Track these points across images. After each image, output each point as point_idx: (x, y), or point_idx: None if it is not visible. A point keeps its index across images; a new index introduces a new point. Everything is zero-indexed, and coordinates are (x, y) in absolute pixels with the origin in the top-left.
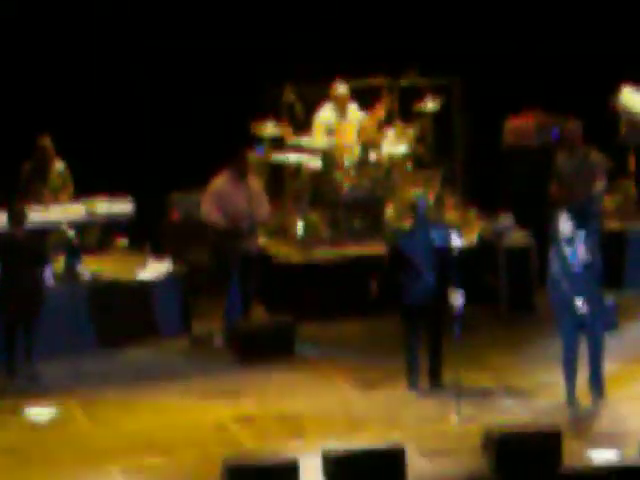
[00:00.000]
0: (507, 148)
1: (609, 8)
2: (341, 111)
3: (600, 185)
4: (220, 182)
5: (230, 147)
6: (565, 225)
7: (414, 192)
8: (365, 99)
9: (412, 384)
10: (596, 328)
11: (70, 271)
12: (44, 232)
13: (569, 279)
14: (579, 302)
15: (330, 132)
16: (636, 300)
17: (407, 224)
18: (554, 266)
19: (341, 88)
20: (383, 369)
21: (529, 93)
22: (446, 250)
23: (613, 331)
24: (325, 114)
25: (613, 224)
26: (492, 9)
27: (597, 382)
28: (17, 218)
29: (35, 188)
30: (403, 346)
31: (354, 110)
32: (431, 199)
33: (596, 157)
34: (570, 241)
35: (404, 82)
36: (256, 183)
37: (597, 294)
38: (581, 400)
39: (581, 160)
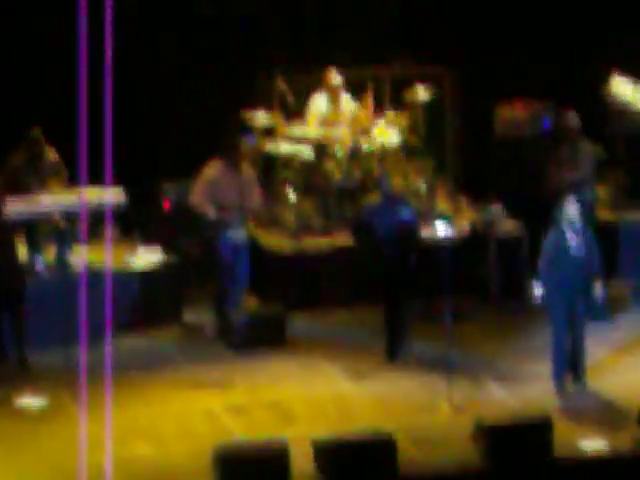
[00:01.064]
0: (498, 138)
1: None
2: (334, 101)
3: (576, 174)
4: (212, 171)
5: (221, 136)
6: (571, 208)
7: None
8: (357, 88)
9: (393, 354)
10: (582, 315)
11: (61, 260)
12: (33, 222)
13: (567, 262)
14: (597, 286)
15: (323, 122)
16: (624, 290)
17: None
18: (551, 247)
19: (335, 78)
20: (375, 358)
21: (520, 82)
22: (411, 225)
23: (604, 320)
24: (317, 103)
25: (605, 214)
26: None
27: (577, 370)
28: None
29: (25, 178)
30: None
31: (347, 100)
32: (423, 188)
33: (584, 147)
34: (572, 225)
35: (395, 71)
36: (249, 172)
37: (591, 284)
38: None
39: (571, 149)
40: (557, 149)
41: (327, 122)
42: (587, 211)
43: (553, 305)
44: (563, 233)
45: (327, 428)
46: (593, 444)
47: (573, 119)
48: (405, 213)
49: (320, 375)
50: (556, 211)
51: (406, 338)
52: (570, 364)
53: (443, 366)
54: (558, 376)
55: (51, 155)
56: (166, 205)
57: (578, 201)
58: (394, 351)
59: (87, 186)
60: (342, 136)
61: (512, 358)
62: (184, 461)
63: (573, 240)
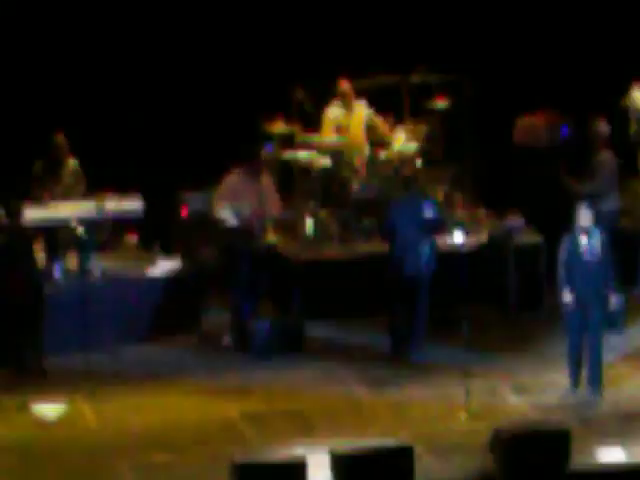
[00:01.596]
0: (517, 147)
1: (620, 7)
2: (347, 107)
3: (589, 186)
4: (233, 180)
5: (241, 145)
6: (585, 216)
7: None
8: (377, 97)
9: (397, 352)
10: (598, 324)
11: (82, 268)
12: (53, 229)
13: (580, 268)
14: (613, 298)
15: (338, 129)
16: None
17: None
18: (564, 254)
19: (344, 84)
20: (392, 367)
21: (540, 92)
22: (435, 222)
23: (619, 329)
24: (333, 111)
25: (624, 223)
26: (504, 7)
27: (596, 376)
28: (9, 212)
29: (47, 185)
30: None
31: (361, 106)
32: (441, 197)
33: (601, 158)
34: (586, 232)
35: (414, 79)
36: (269, 181)
37: (604, 290)
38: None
39: (592, 158)
40: (582, 158)
41: (342, 130)
42: (606, 221)
43: (566, 311)
44: (575, 240)
45: (344, 437)
46: (611, 454)
47: (604, 127)
48: (429, 211)
49: (337, 383)
50: (570, 219)
51: (418, 338)
52: (587, 371)
53: (461, 374)
54: (571, 380)
55: (71, 163)
56: (184, 213)
57: (595, 210)
58: (399, 347)
59: (108, 195)
60: (359, 144)
61: (530, 367)
62: (201, 469)
63: (586, 247)
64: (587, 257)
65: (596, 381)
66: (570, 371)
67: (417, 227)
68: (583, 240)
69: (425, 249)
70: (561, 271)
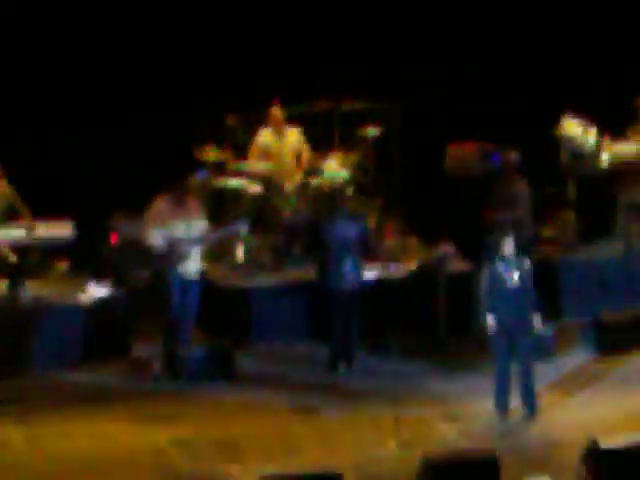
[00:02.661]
0: (449, 176)
1: (551, 37)
2: (278, 133)
3: (511, 214)
4: (159, 206)
5: (172, 171)
6: (508, 246)
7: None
8: (309, 125)
9: (334, 367)
10: (526, 351)
11: (11, 293)
12: None
13: (504, 295)
14: (536, 320)
15: (267, 156)
16: (569, 329)
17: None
18: (487, 282)
19: (276, 111)
20: (321, 394)
21: (469, 121)
22: (364, 239)
23: (549, 360)
24: (262, 138)
25: (549, 252)
26: (433, 37)
27: (529, 403)
28: None
29: None
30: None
31: (293, 133)
32: (371, 225)
33: (519, 186)
34: (509, 262)
35: (345, 107)
36: (196, 206)
37: (529, 318)
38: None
39: (507, 188)
40: (495, 187)
41: (271, 157)
42: (524, 248)
43: (493, 338)
44: (498, 269)
45: (274, 463)
46: None
47: (514, 157)
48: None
49: (267, 410)
50: (491, 248)
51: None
52: (521, 398)
53: (390, 401)
54: (499, 408)
55: (2, 186)
56: (113, 239)
57: (515, 238)
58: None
59: (37, 220)
60: (290, 171)
61: (460, 394)
62: None
63: (508, 275)
64: (510, 285)
65: (531, 404)
66: (497, 400)
67: (350, 244)
68: (504, 270)
69: (356, 265)
70: (484, 299)
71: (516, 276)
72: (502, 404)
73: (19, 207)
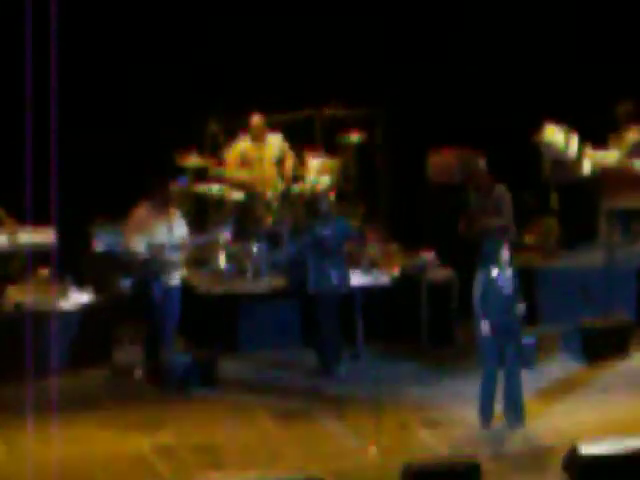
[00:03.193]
0: (430, 183)
1: (532, 45)
2: (258, 141)
3: (498, 220)
4: (140, 213)
5: (153, 178)
6: (505, 253)
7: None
8: (291, 131)
9: (328, 367)
10: (514, 357)
11: None
12: None
13: (497, 301)
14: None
15: (244, 163)
16: (550, 336)
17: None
18: (482, 289)
19: (255, 118)
20: (304, 401)
21: (451, 128)
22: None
23: (531, 366)
24: (240, 145)
25: (531, 259)
26: (416, 43)
27: (516, 411)
28: None
29: None
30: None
31: (274, 139)
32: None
33: (499, 192)
34: (503, 268)
35: (328, 113)
36: (176, 213)
37: (518, 324)
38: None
39: (485, 196)
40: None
41: (251, 165)
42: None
43: (485, 344)
44: (493, 275)
45: (255, 472)
46: None
47: (480, 166)
48: (344, 228)
49: (249, 417)
50: (486, 254)
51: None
52: (505, 406)
53: (372, 408)
54: (484, 414)
55: None
56: (95, 245)
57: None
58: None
59: (18, 227)
60: (271, 179)
61: (441, 402)
62: None
63: (503, 282)
64: (504, 291)
65: (518, 411)
66: (482, 406)
67: (330, 247)
68: (499, 276)
69: (340, 267)
70: (478, 304)
71: (510, 282)
72: (487, 411)
73: (0, 214)
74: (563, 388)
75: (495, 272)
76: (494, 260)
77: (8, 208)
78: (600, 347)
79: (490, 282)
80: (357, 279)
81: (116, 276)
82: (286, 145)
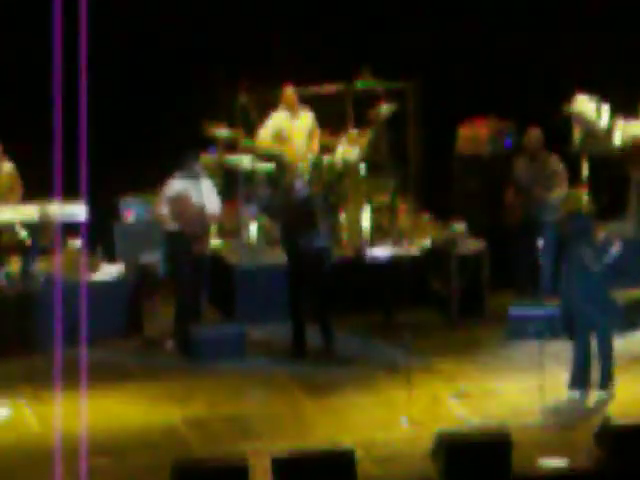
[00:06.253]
0: (460, 155)
1: (563, 14)
2: (292, 114)
3: (559, 192)
4: (173, 185)
5: (182, 149)
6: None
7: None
8: (321, 104)
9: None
10: (606, 326)
11: (25, 272)
12: None
13: (589, 279)
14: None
15: (278, 135)
16: None
17: None
18: (579, 265)
19: (289, 90)
20: (334, 374)
21: (483, 99)
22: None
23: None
24: (275, 120)
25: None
26: (447, 14)
27: (604, 378)
28: None
29: None
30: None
31: (306, 115)
32: (384, 204)
33: (555, 164)
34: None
35: (358, 86)
36: (208, 184)
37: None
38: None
39: (540, 167)
40: (514, 166)
41: (285, 139)
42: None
43: (580, 323)
44: (589, 251)
45: (286, 443)
46: (552, 463)
47: (536, 136)
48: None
49: (280, 390)
50: (581, 230)
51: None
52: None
53: (403, 380)
54: (579, 386)
55: (7, 167)
56: (126, 218)
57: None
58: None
59: (49, 199)
60: (302, 151)
61: (471, 374)
62: (143, 474)
63: (601, 257)
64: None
65: (604, 377)
66: (578, 374)
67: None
68: (593, 252)
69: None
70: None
71: (605, 258)
72: (582, 382)
73: (16, 186)
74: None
75: (590, 249)
76: (589, 237)
77: (38, 181)
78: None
79: (587, 258)
80: (386, 250)
81: (147, 248)
82: (314, 120)
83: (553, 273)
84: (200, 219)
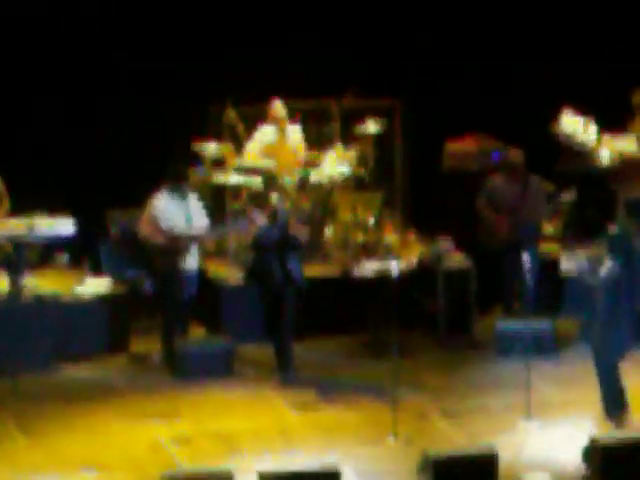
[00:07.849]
0: (447, 171)
1: (549, 31)
2: (280, 129)
3: (543, 211)
4: (159, 201)
5: (168, 164)
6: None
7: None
8: (308, 120)
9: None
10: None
11: (12, 287)
12: None
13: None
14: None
15: (267, 153)
16: (572, 326)
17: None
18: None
19: (277, 104)
20: (320, 389)
21: (470, 117)
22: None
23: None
24: (263, 134)
25: (550, 251)
26: (434, 31)
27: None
28: None
29: None
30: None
31: (295, 131)
32: (371, 221)
33: (538, 183)
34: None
35: (346, 103)
36: (196, 201)
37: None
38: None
39: (524, 186)
40: (490, 179)
41: (273, 154)
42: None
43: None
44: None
45: (273, 459)
46: (537, 478)
47: (517, 156)
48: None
49: (266, 406)
50: (619, 242)
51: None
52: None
53: (390, 398)
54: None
55: None
56: (112, 233)
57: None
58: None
59: (36, 215)
60: (290, 167)
61: (458, 391)
62: None
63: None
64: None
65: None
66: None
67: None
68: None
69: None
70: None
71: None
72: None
73: (3, 201)
74: (580, 379)
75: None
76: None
77: (25, 194)
78: None
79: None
80: (373, 267)
81: (134, 264)
82: (300, 135)
83: (536, 291)
84: (187, 234)
